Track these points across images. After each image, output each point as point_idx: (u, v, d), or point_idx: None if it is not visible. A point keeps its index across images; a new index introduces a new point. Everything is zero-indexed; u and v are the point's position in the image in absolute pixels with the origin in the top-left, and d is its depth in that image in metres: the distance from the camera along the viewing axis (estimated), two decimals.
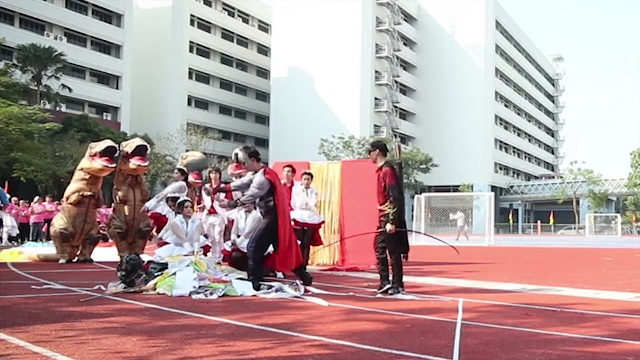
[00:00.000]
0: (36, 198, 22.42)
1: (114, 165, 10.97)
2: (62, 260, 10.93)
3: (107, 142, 11.15)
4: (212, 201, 9.62)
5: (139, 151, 10.76)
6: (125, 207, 11.03)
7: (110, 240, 13.11)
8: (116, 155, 10.96)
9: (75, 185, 11.13)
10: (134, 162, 10.70)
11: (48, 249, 12.29)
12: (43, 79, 41.60)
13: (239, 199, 7.31)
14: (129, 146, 10.89)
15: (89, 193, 10.94)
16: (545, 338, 4.05)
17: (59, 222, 11.14)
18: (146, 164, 10.84)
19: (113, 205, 11.87)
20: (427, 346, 3.70)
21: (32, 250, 12.40)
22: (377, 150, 6.54)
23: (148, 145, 11.07)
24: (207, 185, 8.78)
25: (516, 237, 48.97)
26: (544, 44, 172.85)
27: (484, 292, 6.77)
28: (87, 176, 10.99)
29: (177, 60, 61.74)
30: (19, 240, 20.23)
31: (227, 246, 8.74)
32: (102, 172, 11.01)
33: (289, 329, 4.27)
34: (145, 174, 11.94)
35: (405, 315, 4.97)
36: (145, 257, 8.04)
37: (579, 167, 72.47)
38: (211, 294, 6.07)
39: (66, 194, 11.35)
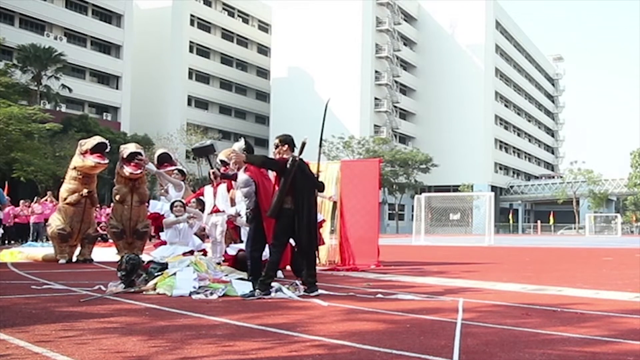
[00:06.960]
0: (48, 193, 22.29)
1: (106, 161, 10.85)
2: (61, 261, 10.90)
3: (97, 139, 10.95)
4: (214, 195, 9.55)
5: (131, 157, 10.53)
6: (122, 207, 10.94)
7: (110, 241, 13.10)
8: (107, 151, 10.81)
9: (69, 185, 11.01)
10: (127, 170, 10.59)
11: (48, 248, 12.28)
12: (43, 79, 41.56)
13: (240, 215, 7.61)
14: (124, 151, 10.68)
15: (86, 192, 10.87)
16: (545, 338, 4.05)
17: (56, 223, 11.05)
18: (139, 171, 10.60)
19: (112, 204, 11.83)
20: (427, 346, 3.70)
21: (32, 250, 12.38)
22: (287, 146, 6.59)
23: (141, 151, 10.79)
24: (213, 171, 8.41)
25: (516, 237, 48.97)
26: (544, 44, 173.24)
27: (484, 292, 6.76)
28: (81, 175, 10.86)
29: (177, 60, 61.73)
30: (19, 240, 20.23)
31: (231, 250, 8.68)
32: (94, 169, 10.86)
33: (289, 329, 4.27)
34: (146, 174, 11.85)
35: (405, 315, 4.97)
36: (145, 257, 8.03)
37: (579, 167, 72.60)
38: (211, 294, 6.07)
39: (61, 194, 11.22)
